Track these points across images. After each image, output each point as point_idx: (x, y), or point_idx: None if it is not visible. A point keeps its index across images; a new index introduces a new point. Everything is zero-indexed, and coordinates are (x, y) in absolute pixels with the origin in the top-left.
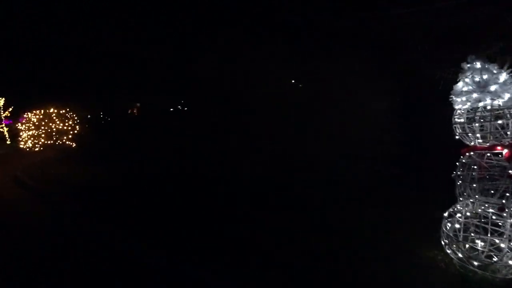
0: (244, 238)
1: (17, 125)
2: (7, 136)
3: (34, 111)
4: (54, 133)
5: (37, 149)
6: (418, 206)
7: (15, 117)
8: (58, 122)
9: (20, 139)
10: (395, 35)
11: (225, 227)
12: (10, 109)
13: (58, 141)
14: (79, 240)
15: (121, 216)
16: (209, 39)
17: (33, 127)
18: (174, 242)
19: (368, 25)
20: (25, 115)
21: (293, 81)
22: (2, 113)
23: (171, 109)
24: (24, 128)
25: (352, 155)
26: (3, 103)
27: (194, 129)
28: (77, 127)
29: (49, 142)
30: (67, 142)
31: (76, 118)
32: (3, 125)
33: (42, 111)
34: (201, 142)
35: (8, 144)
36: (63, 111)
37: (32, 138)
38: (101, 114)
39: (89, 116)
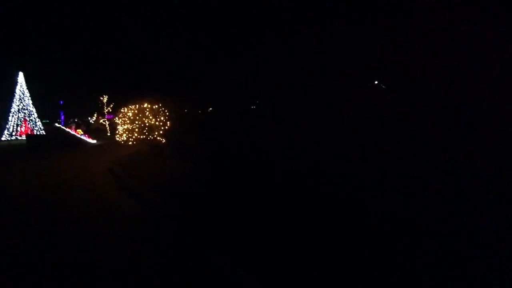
0: None
1: (115, 119)
2: (108, 129)
3: (130, 106)
4: (146, 128)
5: (130, 143)
6: None
7: (115, 112)
8: (150, 118)
9: (117, 132)
10: None
11: None
12: (111, 105)
13: (150, 136)
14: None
15: (216, 224)
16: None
17: (128, 122)
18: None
19: None
20: (121, 110)
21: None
22: (105, 109)
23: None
24: (121, 122)
25: None
26: (106, 100)
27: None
28: (168, 123)
29: (141, 137)
30: (158, 138)
31: (167, 113)
32: (105, 119)
33: (137, 106)
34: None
35: (108, 136)
36: (156, 106)
37: (126, 132)
38: (189, 110)
39: (177, 112)
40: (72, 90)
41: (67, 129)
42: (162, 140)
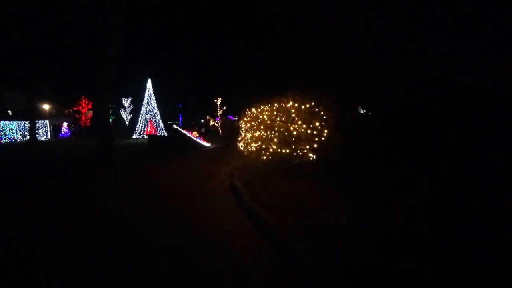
0: None
1: (239, 122)
2: (220, 131)
3: (262, 107)
4: (293, 139)
5: (264, 157)
6: None
7: (227, 114)
8: (300, 123)
9: (240, 138)
10: None
11: None
12: (224, 107)
13: (298, 151)
14: None
15: None
16: None
17: (262, 128)
18: None
19: None
20: (248, 112)
21: None
22: (218, 111)
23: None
24: (248, 127)
25: None
26: (220, 102)
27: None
28: (325, 131)
29: (284, 150)
30: (309, 154)
31: (324, 117)
32: (217, 121)
33: (275, 105)
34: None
35: (220, 138)
36: (307, 106)
37: (259, 142)
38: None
39: (342, 113)
40: (191, 93)
41: (184, 131)
42: (312, 157)
